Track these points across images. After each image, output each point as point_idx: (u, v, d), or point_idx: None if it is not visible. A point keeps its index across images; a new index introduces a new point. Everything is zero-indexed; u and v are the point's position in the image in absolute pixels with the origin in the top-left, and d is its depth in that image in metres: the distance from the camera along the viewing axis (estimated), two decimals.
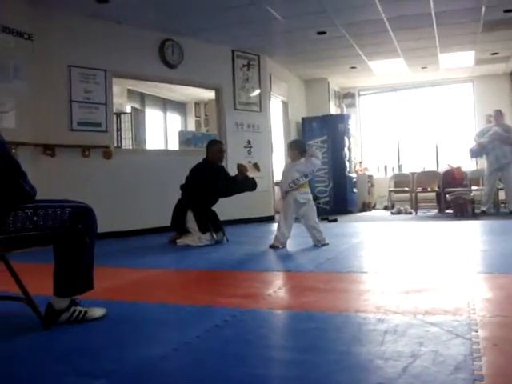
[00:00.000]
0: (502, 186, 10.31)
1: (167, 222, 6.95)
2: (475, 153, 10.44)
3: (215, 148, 6.89)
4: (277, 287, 3.85)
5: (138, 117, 10.55)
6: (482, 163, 11.52)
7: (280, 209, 6.16)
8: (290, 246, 6.02)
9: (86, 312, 2.96)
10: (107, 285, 4.05)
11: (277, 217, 10.01)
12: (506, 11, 8.14)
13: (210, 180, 6.66)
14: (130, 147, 9.85)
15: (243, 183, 6.79)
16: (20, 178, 2.64)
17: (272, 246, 5.95)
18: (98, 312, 3.02)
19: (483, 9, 8.02)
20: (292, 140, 6.40)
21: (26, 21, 7.01)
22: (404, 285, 3.69)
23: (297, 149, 6.13)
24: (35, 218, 2.73)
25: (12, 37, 6.85)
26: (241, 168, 6.80)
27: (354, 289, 3.71)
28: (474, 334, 2.44)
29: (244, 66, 10.02)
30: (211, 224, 6.65)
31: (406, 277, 4.04)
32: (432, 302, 3.11)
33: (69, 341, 2.67)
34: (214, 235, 6.60)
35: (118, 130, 9.44)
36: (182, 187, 6.87)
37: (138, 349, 2.47)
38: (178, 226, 6.81)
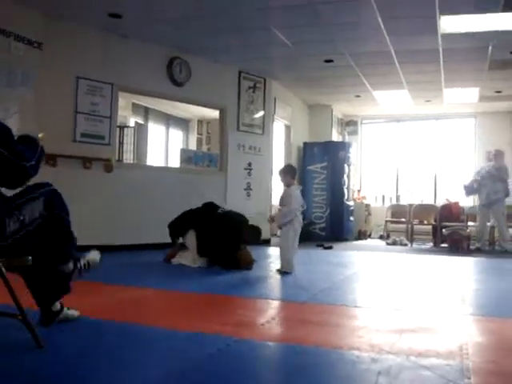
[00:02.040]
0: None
1: (164, 239, 6.95)
2: (470, 190, 10.49)
3: (254, 239, 6.73)
4: (270, 317, 3.84)
5: (141, 131, 10.57)
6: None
7: (285, 233, 6.09)
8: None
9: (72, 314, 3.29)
10: (99, 302, 4.06)
11: (273, 240, 10.04)
12: None
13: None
14: (131, 161, 9.85)
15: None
16: (22, 161, 2.73)
17: (284, 272, 5.95)
18: (75, 313, 3.33)
19: (490, 48, 8.11)
20: (283, 166, 6.42)
21: (37, 30, 7.07)
22: (398, 323, 3.69)
23: (289, 173, 6.21)
24: (21, 218, 2.82)
25: (22, 44, 6.90)
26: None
27: (348, 324, 3.71)
28: (466, 380, 2.44)
29: (250, 87, 10.08)
30: (209, 252, 6.58)
31: (400, 314, 4.04)
32: (425, 344, 3.11)
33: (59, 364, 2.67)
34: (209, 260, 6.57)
35: (121, 143, 9.45)
36: (204, 206, 6.86)
37: (127, 376, 2.46)
38: (174, 232, 6.80)
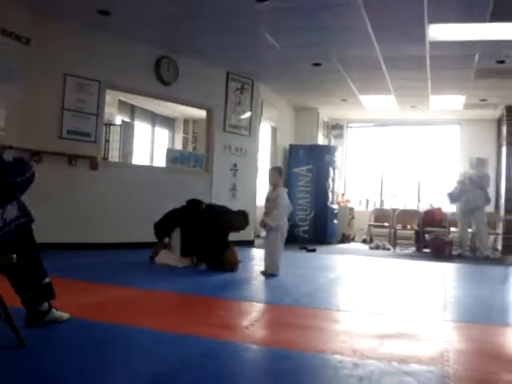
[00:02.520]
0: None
1: (148, 238, 6.95)
2: (453, 197, 10.55)
3: (242, 223, 6.67)
4: (254, 319, 3.86)
5: (127, 129, 10.52)
6: None
7: (273, 236, 6.09)
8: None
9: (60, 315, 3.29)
10: (84, 301, 4.05)
11: (257, 241, 10.06)
12: (499, 62, 8.33)
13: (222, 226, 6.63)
14: (117, 159, 9.82)
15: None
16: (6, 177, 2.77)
17: (270, 274, 5.97)
18: (65, 315, 3.31)
19: (477, 57, 8.18)
20: (274, 166, 6.44)
21: (25, 25, 7.01)
22: (380, 328, 3.73)
23: (279, 174, 6.27)
24: (4, 216, 2.85)
25: (10, 40, 6.85)
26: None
27: (331, 328, 3.74)
28: None
29: (237, 89, 10.09)
30: (194, 250, 6.59)
31: (382, 319, 4.08)
32: (407, 349, 3.15)
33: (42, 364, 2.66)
34: (194, 259, 6.58)
35: (106, 140, 9.41)
36: (188, 202, 6.86)
37: (110, 377, 2.46)
38: (161, 232, 6.79)
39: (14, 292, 3.09)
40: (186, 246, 6.52)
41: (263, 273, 6.07)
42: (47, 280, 3.17)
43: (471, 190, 10.19)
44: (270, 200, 6.14)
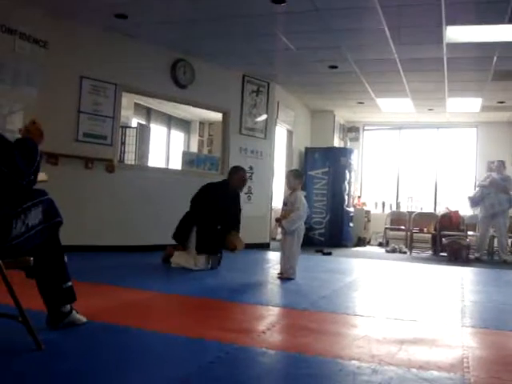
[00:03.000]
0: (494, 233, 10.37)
1: (164, 241, 6.96)
2: (475, 202, 10.44)
3: (239, 176, 6.92)
4: (271, 324, 3.83)
5: (143, 132, 10.55)
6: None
7: (290, 239, 6.06)
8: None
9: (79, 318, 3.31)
10: (100, 304, 4.05)
11: (273, 244, 10.03)
12: None
13: (230, 203, 6.80)
14: (133, 162, 9.84)
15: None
16: (21, 180, 2.75)
17: (286, 278, 5.96)
18: (83, 318, 3.32)
19: (495, 59, 8.11)
20: (293, 169, 6.40)
21: (43, 28, 7.07)
22: (398, 333, 3.69)
23: (298, 178, 6.23)
24: (27, 222, 2.84)
25: (28, 43, 6.91)
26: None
27: (349, 333, 3.70)
28: None
29: (253, 91, 10.08)
30: (210, 246, 6.61)
31: (400, 324, 4.03)
32: (426, 355, 3.10)
33: (60, 367, 2.66)
34: (210, 260, 6.58)
35: (122, 143, 9.44)
36: (192, 200, 6.87)
37: (128, 382, 2.45)
38: (180, 238, 6.81)
39: (33, 294, 3.10)
40: (202, 239, 6.54)
41: (279, 276, 6.04)
42: (69, 283, 3.18)
43: (494, 193, 10.07)
44: (288, 203, 6.10)
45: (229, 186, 6.87)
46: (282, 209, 6.24)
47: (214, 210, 6.59)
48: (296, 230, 6.00)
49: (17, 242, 2.75)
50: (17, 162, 2.75)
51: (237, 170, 7.03)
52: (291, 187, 6.20)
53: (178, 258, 6.65)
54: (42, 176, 3.07)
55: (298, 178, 6.22)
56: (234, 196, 6.95)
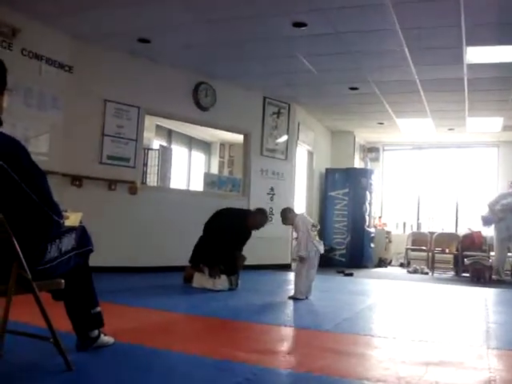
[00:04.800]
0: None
1: (186, 262, 7.00)
2: (488, 221, 10.38)
3: (261, 220, 6.92)
4: (295, 345, 3.84)
5: (165, 154, 10.66)
6: None
7: (301, 265, 6.14)
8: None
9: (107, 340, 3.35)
10: (126, 325, 4.09)
11: (294, 265, 10.02)
12: None
13: (242, 236, 6.92)
14: (155, 184, 9.93)
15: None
16: (50, 210, 2.65)
17: (293, 298, 5.99)
18: (110, 340, 3.36)
19: None
20: (282, 210, 6.47)
21: (67, 53, 7.23)
22: (423, 355, 3.67)
23: (290, 212, 6.37)
24: (60, 246, 2.88)
25: (53, 68, 7.06)
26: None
27: (373, 355, 3.69)
28: None
29: (274, 113, 10.16)
30: (225, 268, 6.67)
31: (425, 346, 4.01)
32: (452, 378, 3.08)
33: None
34: (232, 281, 6.62)
35: (145, 165, 9.54)
36: (206, 225, 6.93)
37: None
38: (196, 263, 6.88)
39: (61, 315, 3.15)
40: (213, 263, 6.63)
41: (290, 297, 6.08)
42: (98, 309, 3.22)
43: (510, 215, 10.00)
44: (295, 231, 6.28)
45: (247, 221, 6.89)
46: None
47: (225, 237, 6.66)
48: (305, 256, 6.00)
49: (50, 265, 2.79)
50: (48, 191, 2.68)
51: (262, 213, 7.01)
52: (290, 223, 6.32)
53: (200, 279, 6.70)
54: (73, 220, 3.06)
55: (288, 213, 6.32)
56: (247, 232, 6.99)
